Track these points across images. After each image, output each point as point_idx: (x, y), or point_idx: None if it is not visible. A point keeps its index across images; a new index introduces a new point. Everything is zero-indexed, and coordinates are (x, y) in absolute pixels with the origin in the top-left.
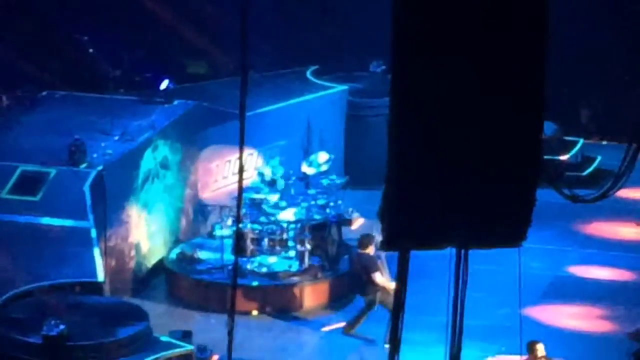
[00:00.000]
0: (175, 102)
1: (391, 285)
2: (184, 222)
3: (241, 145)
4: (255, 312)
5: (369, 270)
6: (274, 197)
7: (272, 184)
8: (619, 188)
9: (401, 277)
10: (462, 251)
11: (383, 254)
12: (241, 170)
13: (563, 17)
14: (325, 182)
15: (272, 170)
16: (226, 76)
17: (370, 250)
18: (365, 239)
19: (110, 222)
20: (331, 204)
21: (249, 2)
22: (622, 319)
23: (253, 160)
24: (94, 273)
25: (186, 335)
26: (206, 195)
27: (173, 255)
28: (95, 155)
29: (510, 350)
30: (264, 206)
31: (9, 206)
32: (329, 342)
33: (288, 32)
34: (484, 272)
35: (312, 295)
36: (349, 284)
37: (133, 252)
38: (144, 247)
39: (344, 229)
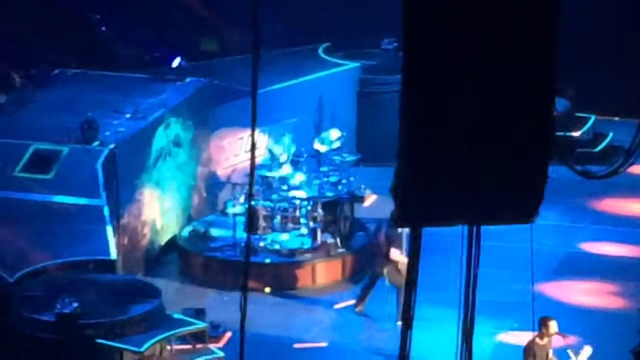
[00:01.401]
0: (187, 80)
1: (404, 260)
2: (196, 199)
3: (253, 123)
4: (267, 289)
5: (391, 242)
6: (287, 170)
7: (282, 161)
8: (631, 164)
9: (414, 254)
10: (474, 227)
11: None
12: (253, 147)
13: None
14: (337, 159)
15: (283, 148)
16: (238, 54)
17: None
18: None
19: (123, 199)
20: (343, 181)
21: None
22: (634, 295)
23: (265, 137)
24: (106, 251)
25: (199, 313)
26: (218, 172)
27: (185, 232)
28: (107, 133)
29: (523, 326)
30: (276, 183)
31: (22, 184)
32: (342, 319)
33: (300, 9)
34: (496, 249)
35: (324, 272)
36: (363, 259)
37: (146, 230)
38: (157, 225)
39: (356, 206)
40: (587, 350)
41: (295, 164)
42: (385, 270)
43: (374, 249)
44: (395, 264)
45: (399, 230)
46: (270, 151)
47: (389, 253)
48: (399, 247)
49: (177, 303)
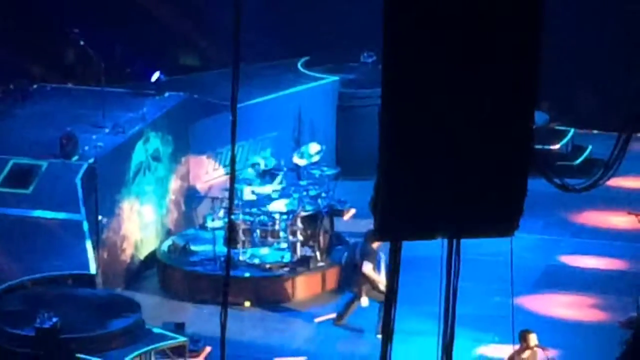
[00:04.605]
0: (166, 94)
1: (378, 278)
2: (175, 213)
3: (233, 137)
4: (247, 303)
5: (363, 258)
6: (267, 189)
7: (264, 175)
8: (610, 177)
9: (393, 268)
10: (454, 241)
11: (383, 256)
12: (233, 161)
13: (556, 8)
14: (316, 173)
15: (265, 162)
16: (217, 68)
17: (374, 245)
18: (371, 232)
19: (102, 214)
20: (323, 194)
21: None
22: (614, 308)
23: (244, 152)
24: (86, 265)
25: (179, 327)
26: (198, 186)
27: (165, 247)
28: (86, 148)
29: (503, 339)
30: (255, 197)
31: (0, 199)
32: (321, 332)
33: (279, 23)
34: (476, 262)
35: (304, 286)
36: (343, 273)
37: (125, 244)
38: (136, 239)
39: (336, 219)
40: None
41: (274, 177)
42: (363, 290)
43: (352, 266)
44: (371, 281)
45: (374, 245)
46: (251, 165)
47: (361, 266)
48: (372, 261)
49: (157, 317)
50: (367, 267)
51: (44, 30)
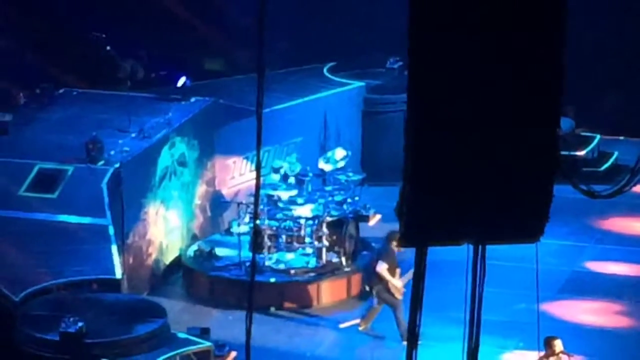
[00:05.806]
0: (192, 99)
1: (391, 279)
2: (201, 218)
3: (258, 142)
4: (272, 309)
5: (378, 257)
6: (290, 194)
7: (286, 179)
8: (636, 183)
9: (419, 273)
10: (480, 247)
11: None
12: (258, 166)
13: (582, 13)
14: (342, 178)
15: (289, 167)
16: (243, 73)
17: (394, 245)
18: (391, 234)
19: (128, 219)
20: (348, 200)
21: None
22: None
23: (270, 157)
24: (111, 270)
25: (204, 332)
26: (223, 191)
27: (191, 252)
28: (112, 153)
29: (528, 345)
30: (281, 203)
31: (26, 204)
32: (346, 338)
33: (305, 28)
34: (501, 268)
35: (329, 291)
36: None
37: (151, 249)
38: (162, 244)
39: (361, 225)
40: None
41: (300, 183)
42: (374, 290)
43: (372, 266)
44: (384, 283)
45: (393, 246)
46: (273, 170)
47: (375, 265)
48: (389, 262)
49: (182, 322)
50: (381, 267)
51: (71, 35)
